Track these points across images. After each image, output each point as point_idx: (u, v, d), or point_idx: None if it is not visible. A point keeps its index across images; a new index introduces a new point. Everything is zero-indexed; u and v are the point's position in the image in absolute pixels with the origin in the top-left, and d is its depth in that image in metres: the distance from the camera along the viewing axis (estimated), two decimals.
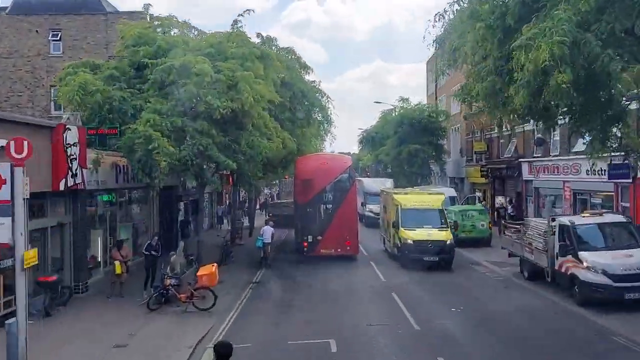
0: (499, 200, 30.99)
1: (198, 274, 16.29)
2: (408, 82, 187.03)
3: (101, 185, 19.51)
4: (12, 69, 29.80)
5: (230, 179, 25.44)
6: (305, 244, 23.83)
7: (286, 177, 47.35)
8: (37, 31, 29.72)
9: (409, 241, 22.24)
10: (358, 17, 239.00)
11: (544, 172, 28.46)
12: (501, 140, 35.32)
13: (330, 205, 24.29)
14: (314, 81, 28.27)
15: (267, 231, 24.12)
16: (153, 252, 18.48)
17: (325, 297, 18.00)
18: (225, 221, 37.03)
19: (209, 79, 17.77)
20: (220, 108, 17.63)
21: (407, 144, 40.81)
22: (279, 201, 45.66)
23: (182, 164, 18.09)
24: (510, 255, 21.22)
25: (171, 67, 18.23)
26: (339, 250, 23.90)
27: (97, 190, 19.65)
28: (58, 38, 30.06)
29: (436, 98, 49.84)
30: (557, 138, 27.26)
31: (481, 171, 37.58)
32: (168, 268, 17.12)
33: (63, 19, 30.06)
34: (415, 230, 22.43)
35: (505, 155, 33.86)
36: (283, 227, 35.61)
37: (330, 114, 27.52)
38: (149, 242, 19.07)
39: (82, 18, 30.08)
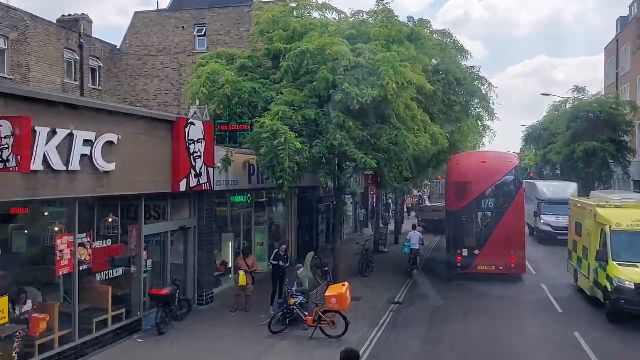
0: None
1: (326, 294, 13.64)
2: (576, 77, 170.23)
3: (232, 186, 17.80)
4: (160, 66, 29.82)
5: (375, 180, 22.67)
6: (459, 258, 20.21)
7: (438, 177, 43.45)
8: (183, 27, 29.39)
9: (628, 284, 14.42)
10: (519, 12, 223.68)
11: None
12: None
13: (491, 214, 20.42)
14: (472, 67, 24.33)
15: (415, 236, 22.04)
16: (281, 263, 16.27)
17: (484, 337, 14.16)
18: (369, 226, 34.31)
19: (346, 62, 15.10)
20: (358, 97, 14.88)
21: (583, 141, 34.88)
22: (429, 204, 41.72)
23: (314, 163, 15.65)
24: None
25: (305, 52, 15.87)
26: (501, 267, 19.95)
27: (228, 190, 18.00)
28: (203, 34, 29.50)
29: (617, 88, 42.64)
30: None
31: None
32: (295, 284, 14.76)
33: (208, 14, 29.43)
34: (638, 267, 14.78)
35: None
36: (433, 233, 32.10)
37: (493, 104, 23.33)
38: (276, 250, 16.90)
39: (225, 11, 29.20)
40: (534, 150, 52.15)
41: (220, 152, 16.58)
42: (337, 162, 17.40)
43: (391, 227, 33.55)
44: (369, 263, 21.95)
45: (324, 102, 15.88)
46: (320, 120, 15.46)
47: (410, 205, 44.69)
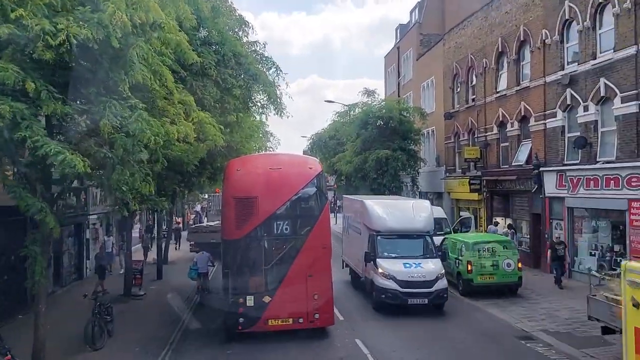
0: (556, 234, 20.84)
1: None
2: (344, 97, 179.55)
3: None
4: None
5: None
6: (241, 309, 13.73)
7: (217, 190, 36.78)
8: None
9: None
10: (293, 32, 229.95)
11: (588, 185, 19.67)
12: (503, 144, 26.53)
13: (285, 242, 14.31)
14: (255, 42, 18.19)
15: (202, 259, 19.40)
16: None
17: None
18: (118, 259, 25.41)
19: None
20: (48, 35, 7.60)
21: (375, 149, 31.43)
22: (204, 224, 34.19)
23: None
24: (607, 331, 11.93)
25: None
26: (301, 321, 13.94)
27: None
28: None
29: (399, 96, 40.96)
30: (614, 137, 18.55)
31: (471, 184, 28.69)
32: None
33: None
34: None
35: (514, 163, 25.03)
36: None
37: (280, 95, 17.37)
38: None
39: None
40: (318, 160, 48.59)
41: None
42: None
43: (157, 256, 25.72)
44: (105, 324, 14.24)
45: None
46: None
47: (176, 225, 36.75)
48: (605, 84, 18.80)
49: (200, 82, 14.92)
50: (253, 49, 17.88)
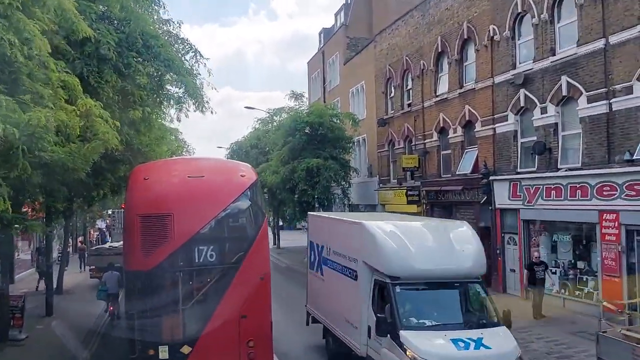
0: (535, 253, 17.71)
1: None
2: (259, 112, 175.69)
3: None
4: None
5: None
6: None
7: (122, 206, 32.31)
8: None
9: None
10: (208, 44, 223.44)
11: (548, 195, 17.70)
12: (445, 151, 24.41)
13: (211, 274, 10.91)
14: (168, 21, 14.67)
15: (111, 278, 17.82)
16: None
17: None
18: None
19: None
20: None
21: (304, 158, 28.51)
22: (107, 245, 29.39)
23: None
24: None
25: None
26: None
27: None
28: None
29: (324, 103, 38.40)
30: (579, 141, 16.68)
31: (408, 195, 26.40)
32: None
33: None
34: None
35: (458, 172, 22.90)
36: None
37: (200, 85, 14.01)
38: None
39: None
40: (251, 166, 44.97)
41: None
42: None
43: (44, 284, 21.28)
44: None
45: None
46: None
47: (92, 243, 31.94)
48: (567, 82, 16.92)
49: (94, 66, 11.36)
50: (166, 28, 14.41)
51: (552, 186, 17.49)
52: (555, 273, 18.04)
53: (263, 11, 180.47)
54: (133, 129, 14.37)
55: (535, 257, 17.36)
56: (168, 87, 14.54)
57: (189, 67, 14.28)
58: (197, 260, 10.75)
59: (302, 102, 32.39)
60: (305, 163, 28.05)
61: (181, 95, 14.31)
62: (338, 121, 30.38)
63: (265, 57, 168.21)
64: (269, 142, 32.79)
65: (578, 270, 17.27)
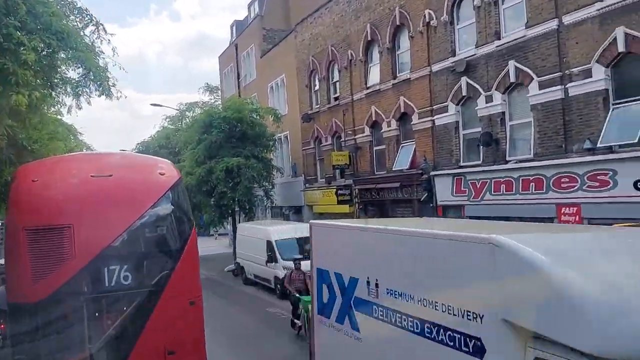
0: None
1: None
2: (161, 112, 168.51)
3: None
4: None
5: None
6: None
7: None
8: None
9: None
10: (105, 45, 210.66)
11: (497, 189, 16.47)
12: (378, 147, 22.83)
13: (125, 302, 8.36)
14: None
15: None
16: None
17: None
18: None
19: None
20: None
21: (222, 157, 25.96)
22: None
23: None
24: None
25: None
26: None
27: None
28: None
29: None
30: (530, 130, 15.52)
31: (339, 195, 24.61)
32: None
33: None
34: None
35: (395, 168, 21.35)
36: None
37: (105, 66, 11.27)
38: None
39: None
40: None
41: None
42: None
43: None
44: None
45: None
46: None
47: None
48: (515, 67, 15.72)
49: None
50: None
51: (502, 179, 16.25)
52: None
53: (165, 12, 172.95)
54: (18, 120, 11.39)
55: None
56: (64, 67, 11.80)
57: (89, 43, 11.58)
58: (107, 284, 8.20)
59: (218, 95, 29.50)
60: (224, 162, 25.52)
61: (80, 77, 11.57)
62: (258, 117, 28.06)
63: (168, 58, 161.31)
64: (179, 142, 29.82)
65: None
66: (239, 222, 28.19)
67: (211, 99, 29.18)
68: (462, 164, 18.15)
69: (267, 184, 28.17)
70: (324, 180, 26.94)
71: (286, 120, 29.91)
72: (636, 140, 12.51)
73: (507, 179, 16.10)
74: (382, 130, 22.13)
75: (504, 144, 16.47)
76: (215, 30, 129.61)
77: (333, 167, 24.57)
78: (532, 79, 15.20)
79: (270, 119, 28.21)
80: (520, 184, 15.61)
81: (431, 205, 19.36)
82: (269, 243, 21.41)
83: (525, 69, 15.42)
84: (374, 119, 22.62)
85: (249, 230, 24.10)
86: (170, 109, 41.79)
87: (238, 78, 38.28)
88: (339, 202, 24.57)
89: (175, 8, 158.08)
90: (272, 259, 20.91)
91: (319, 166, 27.81)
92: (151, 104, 67.91)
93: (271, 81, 32.99)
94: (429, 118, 19.41)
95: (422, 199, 19.58)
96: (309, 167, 28.54)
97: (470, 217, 17.71)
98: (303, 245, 21.21)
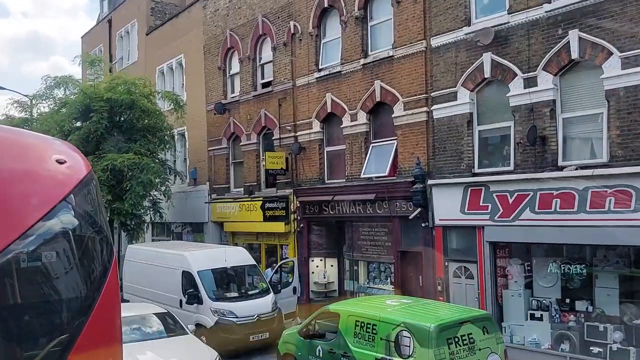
0: None
1: None
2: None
3: None
4: None
5: None
6: None
7: None
8: None
9: None
10: None
11: (548, 206, 11.98)
12: (332, 147, 17.46)
13: None
14: None
15: None
16: None
17: None
18: None
19: None
20: None
21: (105, 152, 18.72)
22: None
23: None
24: None
25: None
26: None
27: None
28: None
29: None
30: (591, 127, 11.28)
31: (266, 210, 18.69)
32: None
33: None
34: None
35: (364, 175, 16.06)
36: None
37: None
38: None
39: None
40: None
41: None
42: None
43: None
44: None
45: None
46: None
47: None
48: (580, 39, 11.45)
49: None
50: None
51: (556, 192, 11.78)
52: (539, 318, 12.37)
53: None
54: None
55: None
56: None
57: None
58: None
59: (101, 69, 21.87)
60: (107, 160, 18.33)
61: None
62: (156, 102, 21.16)
63: None
64: (43, 131, 21.70)
65: (580, 315, 11.83)
66: (129, 244, 20.82)
67: (90, 75, 21.32)
68: (476, 170, 13.48)
69: (160, 192, 21.19)
70: (241, 189, 20.82)
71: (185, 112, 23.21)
72: None
73: (563, 191, 11.67)
74: (343, 126, 16.79)
75: (553, 143, 12.07)
76: (52, 30, 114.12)
77: (267, 171, 18.62)
78: (611, 54, 11.00)
79: (168, 108, 21.44)
80: (589, 199, 11.25)
81: (423, 225, 14.42)
82: (186, 275, 14.96)
83: (596, 40, 11.19)
84: (329, 110, 17.24)
85: (148, 255, 17.20)
86: (18, 94, 32.70)
87: (110, 60, 30.46)
88: (268, 219, 18.68)
89: (3, 3, 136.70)
90: (193, 298, 14.43)
91: (233, 172, 21.62)
92: None
93: (163, 63, 26.09)
94: (423, 109, 14.55)
95: (410, 217, 14.56)
96: (218, 172, 22.15)
97: (490, 242, 13.11)
98: (242, 278, 15.31)
